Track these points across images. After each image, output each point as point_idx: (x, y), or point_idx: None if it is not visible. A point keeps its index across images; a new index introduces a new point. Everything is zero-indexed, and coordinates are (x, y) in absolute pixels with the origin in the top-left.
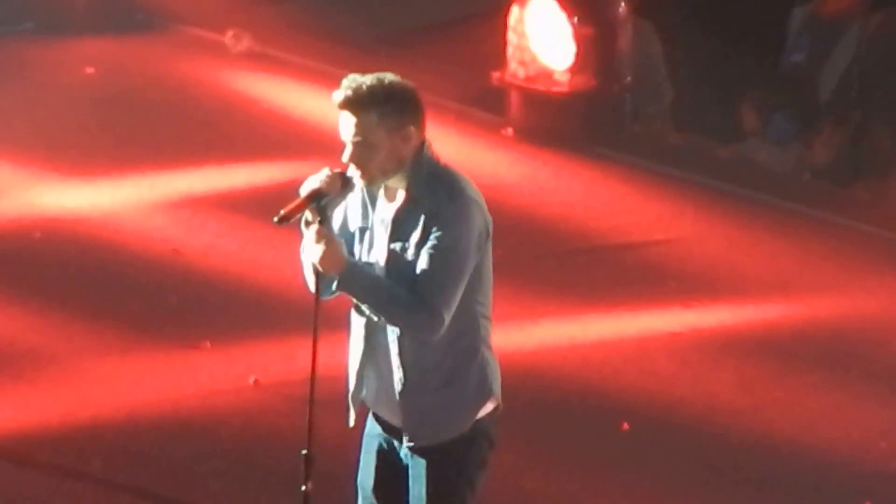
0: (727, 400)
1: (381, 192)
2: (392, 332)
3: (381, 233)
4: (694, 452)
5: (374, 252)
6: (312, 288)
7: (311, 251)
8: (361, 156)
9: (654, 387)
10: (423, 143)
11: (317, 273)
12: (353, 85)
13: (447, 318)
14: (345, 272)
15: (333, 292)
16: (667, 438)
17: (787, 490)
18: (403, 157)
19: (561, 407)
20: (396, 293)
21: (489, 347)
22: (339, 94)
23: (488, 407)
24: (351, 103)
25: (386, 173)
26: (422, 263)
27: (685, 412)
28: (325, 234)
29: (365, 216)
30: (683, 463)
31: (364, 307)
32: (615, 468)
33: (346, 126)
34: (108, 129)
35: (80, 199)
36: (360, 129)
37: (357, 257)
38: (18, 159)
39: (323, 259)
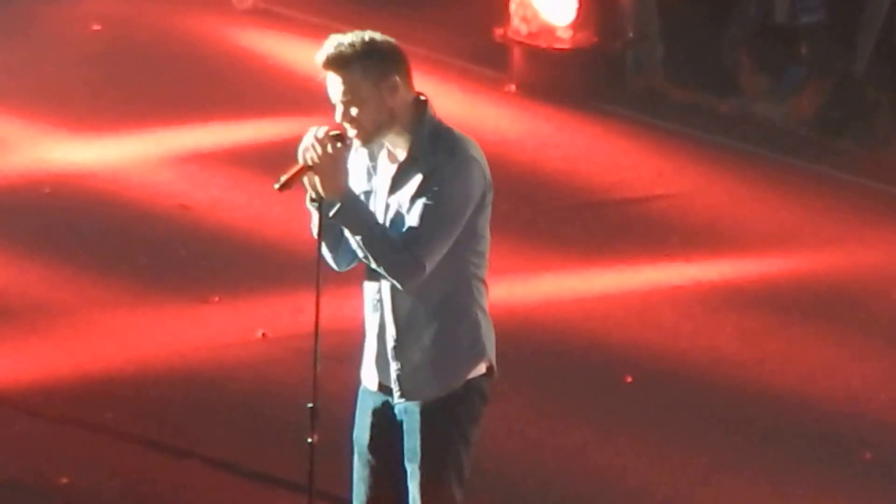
0: (729, 352)
1: (384, 155)
2: (387, 290)
3: (382, 192)
4: (696, 404)
5: (377, 212)
6: (316, 232)
7: (319, 170)
8: (352, 112)
9: (656, 339)
10: (425, 103)
11: (319, 201)
12: (334, 44)
13: (428, 269)
14: (346, 198)
15: (335, 232)
16: (670, 390)
17: (788, 441)
18: (394, 109)
19: (565, 359)
20: (388, 233)
21: (483, 310)
22: (321, 54)
23: (480, 368)
24: (334, 61)
25: (380, 128)
26: (413, 213)
27: (688, 364)
28: (337, 157)
29: (369, 179)
30: (686, 414)
31: (355, 241)
32: (619, 419)
33: (334, 86)
34: (115, 85)
35: (87, 154)
36: (347, 85)
37: None
38: (27, 115)
39: (327, 179)
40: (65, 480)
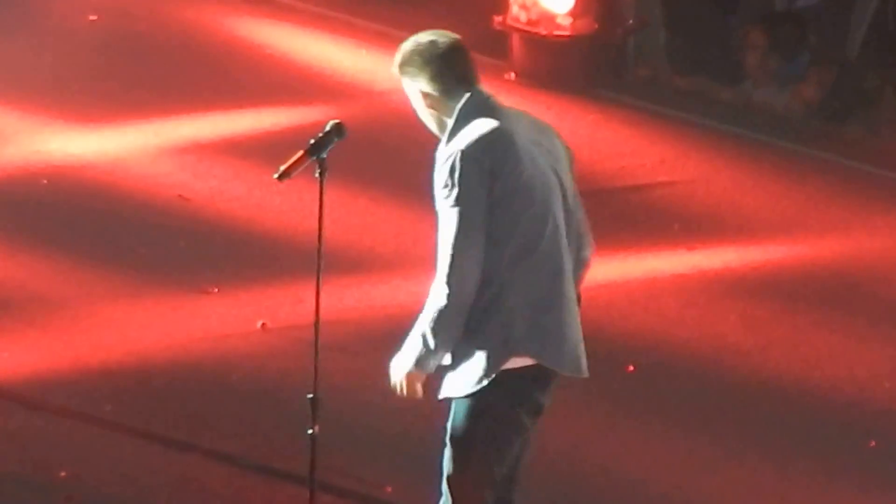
0: (733, 340)
1: None
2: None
3: None
4: (700, 392)
5: None
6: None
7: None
8: (418, 114)
9: (660, 328)
10: (465, 99)
11: None
12: (399, 51)
13: (454, 285)
14: (411, 368)
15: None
16: (673, 378)
17: (792, 429)
18: (436, 113)
19: None
20: (422, 319)
21: (521, 304)
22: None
23: (514, 362)
24: (395, 69)
25: (433, 128)
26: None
27: (691, 352)
28: (411, 378)
29: None
30: (690, 402)
31: (439, 355)
32: (623, 408)
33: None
34: (113, 76)
35: (86, 145)
36: (406, 90)
37: None
38: (24, 106)
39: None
40: (64, 473)
